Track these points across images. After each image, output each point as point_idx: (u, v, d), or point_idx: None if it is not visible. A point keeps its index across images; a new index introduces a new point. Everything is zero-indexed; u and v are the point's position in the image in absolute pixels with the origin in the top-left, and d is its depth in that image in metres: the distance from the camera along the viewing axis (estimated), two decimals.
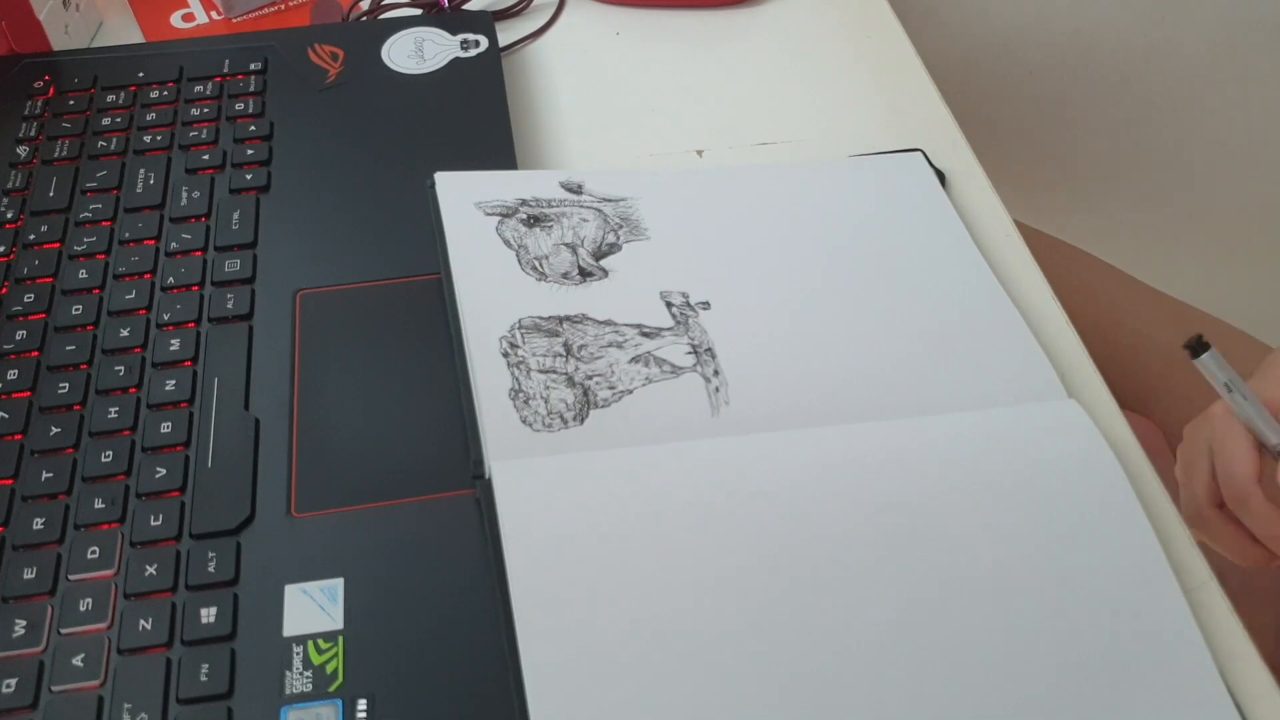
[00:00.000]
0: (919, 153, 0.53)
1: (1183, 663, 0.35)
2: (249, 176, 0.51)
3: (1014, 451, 0.40)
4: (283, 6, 0.64)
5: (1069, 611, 0.36)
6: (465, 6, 0.61)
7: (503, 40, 0.60)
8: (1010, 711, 0.34)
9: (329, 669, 0.34)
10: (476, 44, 0.58)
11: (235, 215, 0.49)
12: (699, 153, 0.55)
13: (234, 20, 0.63)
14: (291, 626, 0.35)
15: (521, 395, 0.40)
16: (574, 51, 0.61)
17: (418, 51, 0.57)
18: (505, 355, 0.41)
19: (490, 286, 0.44)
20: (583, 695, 0.33)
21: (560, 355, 0.42)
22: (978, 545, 0.37)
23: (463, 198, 0.47)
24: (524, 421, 0.39)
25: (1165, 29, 1.02)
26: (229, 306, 0.45)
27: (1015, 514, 0.38)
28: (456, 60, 0.57)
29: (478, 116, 0.54)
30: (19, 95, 0.55)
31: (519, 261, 0.45)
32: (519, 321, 0.43)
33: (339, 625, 0.35)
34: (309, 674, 0.34)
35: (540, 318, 0.43)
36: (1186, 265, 1.23)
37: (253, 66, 0.56)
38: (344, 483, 0.39)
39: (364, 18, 0.62)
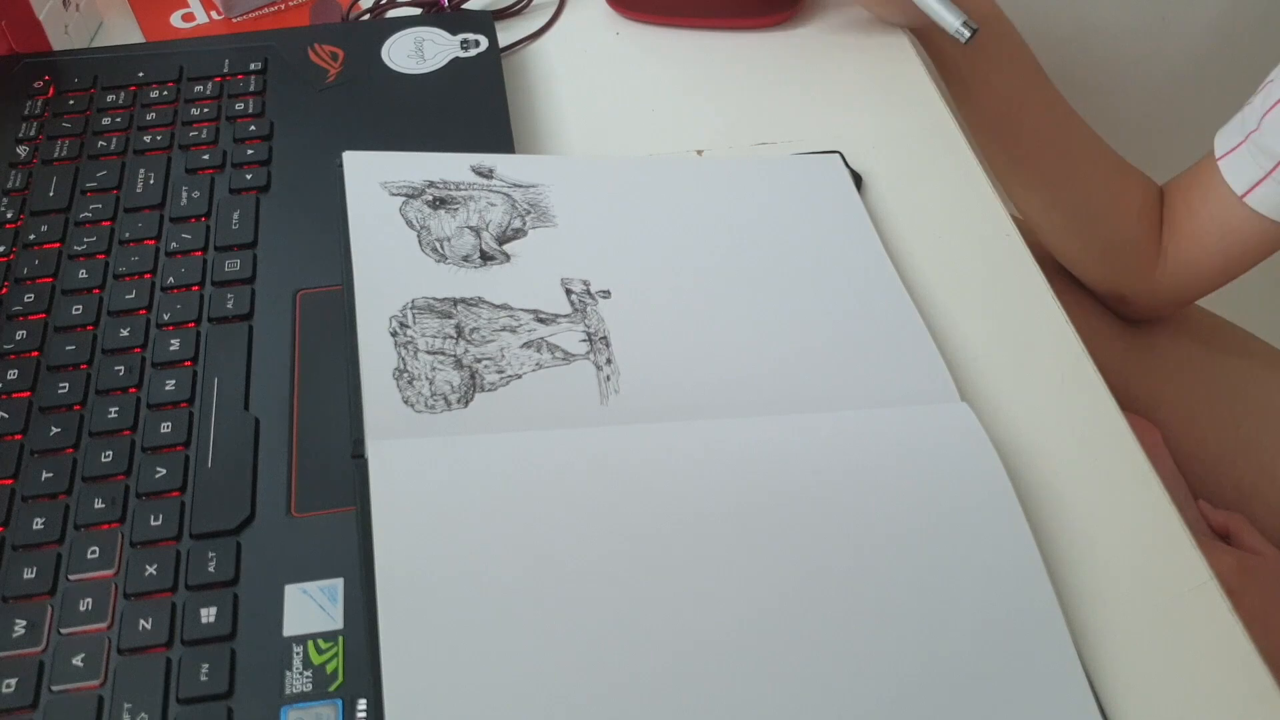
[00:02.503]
0: (837, 154, 0.53)
1: (1051, 667, 0.35)
2: (249, 176, 0.51)
3: (899, 451, 0.40)
4: (283, 6, 0.64)
5: (940, 611, 0.36)
6: (465, 6, 0.61)
7: (503, 40, 0.60)
8: (876, 704, 0.34)
9: (329, 669, 0.34)
10: (476, 44, 0.58)
11: (235, 215, 0.49)
12: (699, 152, 0.55)
13: (234, 20, 0.63)
14: (291, 626, 0.35)
15: (406, 375, 0.39)
16: (574, 52, 0.61)
17: (418, 51, 0.57)
18: (394, 335, 0.41)
19: (387, 266, 0.43)
20: (443, 682, 0.32)
21: (451, 337, 0.41)
22: (854, 542, 0.37)
23: (369, 177, 0.47)
24: (406, 402, 0.39)
25: (1170, 27, 1.02)
26: (229, 306, 0.45)
27: (895, 513, 0.38)
28: (456, 60, 0.57)
29: (478, 116, 0.54)
30: (19, 95, 0.55)
31: (419, 242, 0.44)
32: (412, 302, 0.42)
33: (339, 625, 0.35)
34: (309, 674, 0.34)
35: (434, 299, 0.42)
36: None
37: (253, 66, 0.56)
38: (344, 482, 0.39)
39: (364, 17, 0.62)
